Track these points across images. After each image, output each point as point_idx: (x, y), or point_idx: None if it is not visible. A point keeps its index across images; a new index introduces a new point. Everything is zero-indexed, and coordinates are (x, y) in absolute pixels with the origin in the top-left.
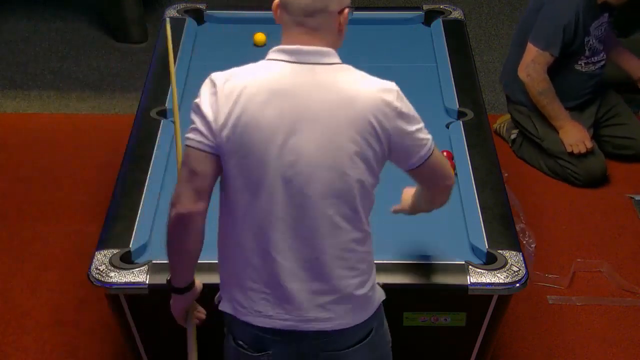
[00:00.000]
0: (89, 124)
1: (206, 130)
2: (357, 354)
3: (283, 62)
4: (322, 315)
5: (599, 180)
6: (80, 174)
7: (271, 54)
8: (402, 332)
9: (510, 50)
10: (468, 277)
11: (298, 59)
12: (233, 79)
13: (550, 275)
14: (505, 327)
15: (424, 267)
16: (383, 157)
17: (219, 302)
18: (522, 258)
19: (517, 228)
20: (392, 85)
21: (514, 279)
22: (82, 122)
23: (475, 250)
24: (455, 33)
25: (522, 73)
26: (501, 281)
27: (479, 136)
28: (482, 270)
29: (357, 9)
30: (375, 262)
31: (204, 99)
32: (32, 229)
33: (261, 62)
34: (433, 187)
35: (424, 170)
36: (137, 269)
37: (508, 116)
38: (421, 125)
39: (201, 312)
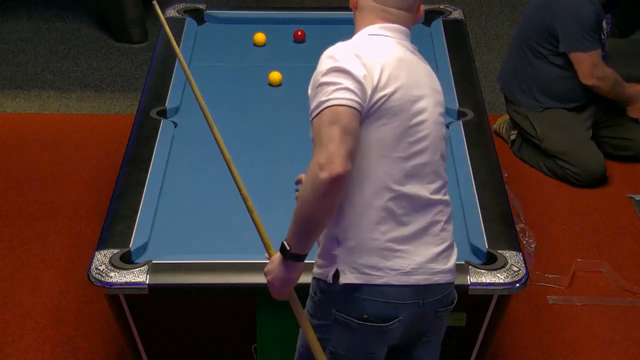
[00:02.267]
0: (89, 124)
1: (359, 90)
2: (447, 317)
3: (389, 38)
4: (446, 267)
5: (599, 180)
6: (80, 174)
7: (375, 30)
8: None
9: (510, 50)
10: (468, 277)
11: (398, 36)
12: (366, 47)
13: (550, 275)
14: (505, 327)
15: None
16: None
17: (336, 277)
18: (522, 258)
19: (517, 228)
20: None
21: (514, 279)
22: (82, 122)
23: (475, 250)
24: (455, 33)
25: (592, 81)
26: (501, 281)
27: (479, 136)
28: (482, 270)
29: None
30: None
31: (349, 62)
32: (32, 229)
33: (369, 37)
34: None
35: None
36: (137, 269)
37: (507, 116)
38: None
39: None
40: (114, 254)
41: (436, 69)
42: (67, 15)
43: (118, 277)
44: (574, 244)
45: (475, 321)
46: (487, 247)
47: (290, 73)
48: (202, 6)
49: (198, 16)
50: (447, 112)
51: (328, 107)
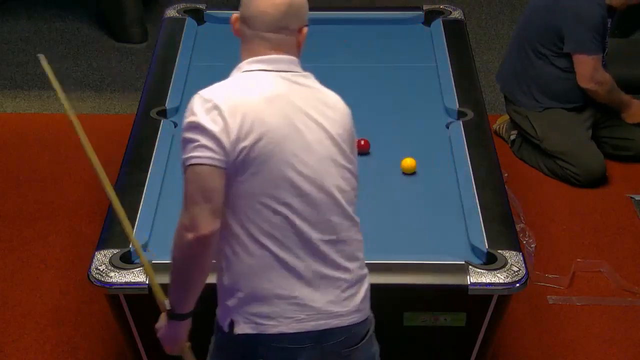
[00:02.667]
0: (89, 124)
1: (216, 146)
2: (365, 348)
3: (263, 72)
4: (348, 309)
5: (599, 180)
6: (80, 174)
7: (248, 66)
8: (402, 332)
9: (510, 50)
10: (468, 277)
11: (275, 67)
12: (228, 94)
13: (550, 275)
14: (505, 327)
15: (424, 267)
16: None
17: (231, 327)
18: (522, 258)
19: (517, 228)
20: None
21: (514, 279)
22: (82, 122)
23: (475, 250)
24: (455, 33)
25: (590, 84)
26: (501, 281)
27: (479, 136)
28: (482, 270)
29: (358, 9)
30: (375, 262)
31: (204, 116)
32: (32, 229)
33: (241, 74)
34: None
35: None
36: (137, 269)
37: (507, 116)
38: None
39: None
40: (114, 254)
41: (436, 69)
42: (67, 15)
43: (118, 277)
44: (574, 244)
45: (475, 321)
46: (487, 247)
47: None
48: (202, 6)
49: (198, 16)
50: (447, 112)
51: (188, 165)
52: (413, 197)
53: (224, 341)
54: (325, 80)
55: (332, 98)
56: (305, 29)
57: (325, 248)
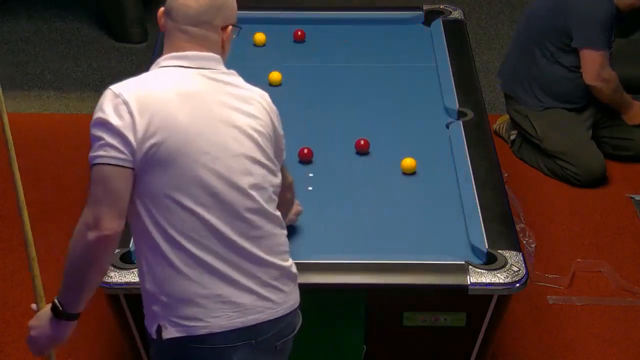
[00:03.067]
0: (89, 124)
1: (121, 144)
2: (291, 343)
3: (180, 68)
4: (275, 301)
5: (599, 180)
6: (80, 174)
7: (165, 61)
8: (402, 332)
9: (511, 47)
10: (468, 277)
11: (192, 64)
12: (139, 90)
13: (550, 275)
14: (505, 327)
15: (424, 267)
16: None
17: (159, 332)
18: (522, 258)
19: (517, 228)
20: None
21: (514, 279)
22: (82, 122)
23: (475, 250)
24: (455, 33)
25: (597, 82)
26: (501, 281)
27: (479, 136)
28: (482, 270)
29: (358, 9)
30: (375, 261)
31: (111, 112)
32: (32, 229)
33: (158, 70)
34: None
35: None
36: (137, 269)
37: (507, 116)
38: None
39: None
40: (114, 254)
41: (436, 69)
42: (67, 15)
43: (118, 277)
44: (574, 244)
45: (475, 321)
46: (487, 247)
47: (290, 73)
48: None
49: None
50: (447, 112)
51: (93, 164)
52: (413, 197)
53: (155, 347)
54: (325, 80)
55: (255, 96)
56: (230, 28)
57: (244, 244)
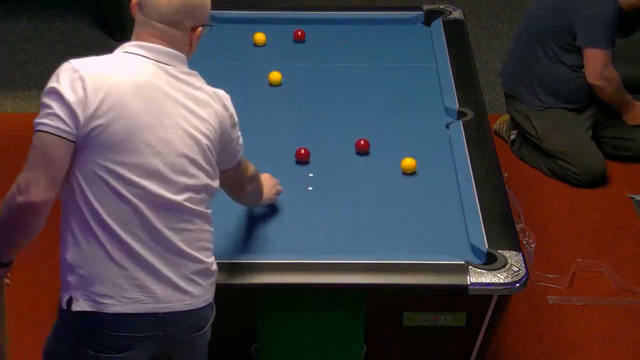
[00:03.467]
0: None
1: (68, 117)
2: (201, 338)
3: (142, 57)
4: (188, 294)
5: (599, 180)
6: None
7: (129, 48)
8: (402, 332)
9: (513, 46)
10: (468, 277)
11: (155, 57)
12: (98, 69)
13: (550, 275)
14: (505, 327)
15: (424, 267)
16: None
17: (69, 304)
18: (522, 258)
19: (517, 228)
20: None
21: (514, 279)
22: None
23: (475, 250)
24: (455, 33)
25: (599, 81)
26: (501, 281)
27: (479, 136)
28: (482, 270)
29: (357, 9)
30: (374, 261)
31: (66, 85)
32: None
33: (121, 54)
34: None
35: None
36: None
37: (507, 116)
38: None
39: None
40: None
41: (436, 69)
42: (67, 15)
43: None
44: (574, 244)
45: (475, 321)
46: (487, 247)
47: (290, 73)
48: None
49: None
50: (447, 112)
51: (37, 131)
52: (413, 197)
53: (61, 323)
54: (325, 80)
55: (210, 100)
56: (200, 29)
57: (171, 236)
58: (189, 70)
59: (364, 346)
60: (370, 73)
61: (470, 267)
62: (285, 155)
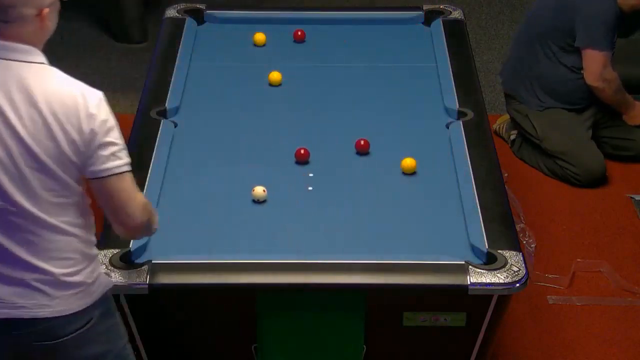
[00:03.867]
0: None
1: None
2: (75, 344)
3: None
4: (32, 302)
5: (599, 180)
6: None
7: None
8: (402, 332)
9: (513, 46)
10: (468, 277)
11: None
12: None
13: (550, 275)
14: (505, 327)
15: (424, 267)
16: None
17: None
18: (522, 258)
19: (517, 228)
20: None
21: (514, 279)
22: None
23: (475, 250)
24: (455, 33)
25: (598, 82)
26: (501, 281)
27: (479, 136)
28: (482, 270)
29: (357, 9)
30: (374, 262)
31: None
32: None
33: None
34: None
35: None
36: (137, 269)
37: (507, 116)
38: (120, 144)
39: None
40: (114, 254)
41: (436, 69)
42: (67, 15)
43: (118, 277)
44: (574, 244)
45: (475, 321)
46: (487, 247)
47: (290, 73)
48: (202, 6)
49: (198, 16)
50: (447, 112)
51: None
52: (413, 197)
53: None
54: (325, 80)
55: (64, 98)
56: (46, 10)
57: (11, 247)
58: (38, 63)
59: (364, 346)
60: (370, 73)
61: (470, 267)
62: (285, 155)
